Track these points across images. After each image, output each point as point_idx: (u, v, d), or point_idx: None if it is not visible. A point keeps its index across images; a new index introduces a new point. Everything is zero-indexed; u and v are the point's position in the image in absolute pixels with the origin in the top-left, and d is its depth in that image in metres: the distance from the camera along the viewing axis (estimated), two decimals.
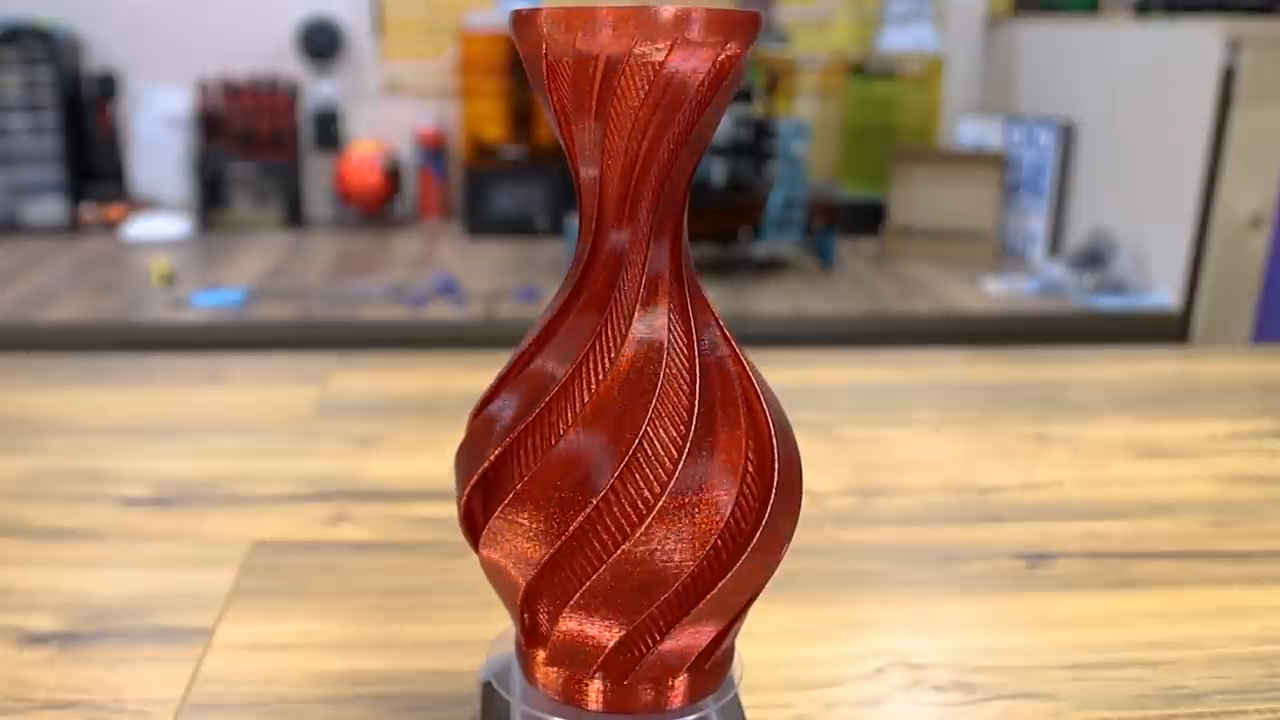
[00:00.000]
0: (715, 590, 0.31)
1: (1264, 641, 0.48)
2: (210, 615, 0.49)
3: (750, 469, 0.32)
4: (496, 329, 1.50)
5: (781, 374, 0.85)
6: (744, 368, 0.33)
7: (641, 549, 0.30)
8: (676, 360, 0.32)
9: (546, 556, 0.31)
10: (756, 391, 0.32)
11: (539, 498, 0.31)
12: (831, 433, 0.71)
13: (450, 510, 0.34)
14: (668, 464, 0.31)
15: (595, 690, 0.34)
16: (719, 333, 0.33)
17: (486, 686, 0.38)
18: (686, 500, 0.31)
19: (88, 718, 0.42)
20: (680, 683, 0.34)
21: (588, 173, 0.32)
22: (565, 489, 0.31)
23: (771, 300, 1.62)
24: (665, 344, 0.31)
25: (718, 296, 1.61)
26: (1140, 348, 1.02)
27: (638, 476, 0.31)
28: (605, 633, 0.32)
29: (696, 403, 0.31)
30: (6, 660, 0.45)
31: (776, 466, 0.32)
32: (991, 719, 0.43)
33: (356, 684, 0.44)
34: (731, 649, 0.36)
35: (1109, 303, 1.61)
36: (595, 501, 0.30)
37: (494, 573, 0.34)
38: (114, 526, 0.57)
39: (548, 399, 0.31)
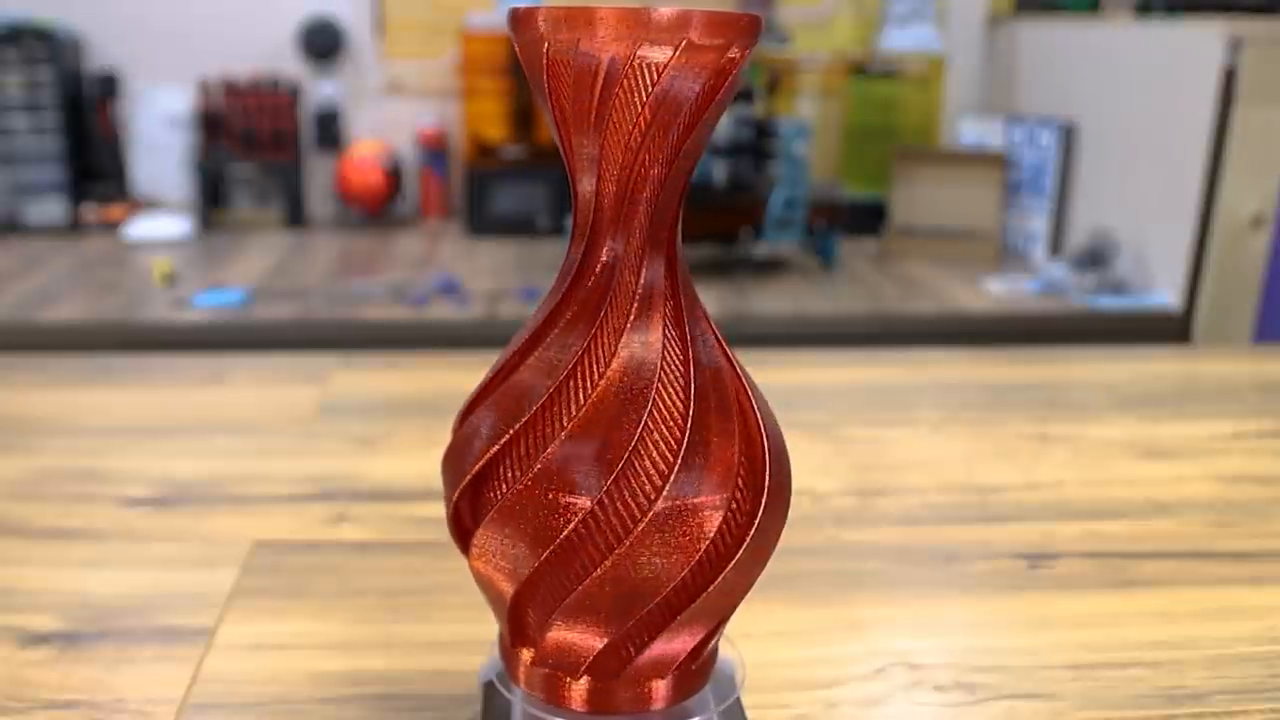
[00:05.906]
0: (700, 599, 0.31)
1: (1264, 641, 0.48)
2: (211, 615, 0.49)
3: (740, 485, 0.31)
4: (498, 329, 1.50)
5: (782, 374, 0.85)
6: (741, 383, 0.32)
7: (629, 561, 0.30)
8: (671, 373, 0.31)
9: (533, 567, 0.31)
10: (753, 406, 0.32)
11: (526, 509, 0.31)
12: (832, 433, 0.71)
13: None
14: (656, 479, 0.30)
15: (580, 692, 0.34)
16: (715, 344, 0.33)
17: (488, 686, 0.38)
18: (676, 514, 0.30)
19: (88, 718, 0.42)
20: (667, 683, 0.34)
21: (584, 172, 0.31)
22: (554, 500, 0.30)
23: (772, 300, 1.62)
24: (660, 356, 0.31)
25: (718, 296, 1.61)
26: (1141, 348, 1.02)
27: (628, 489, 0.30)
28: (592, 639, 0.32)
29: (691, 418, 0.30)
30: (7, 660, 0.45)
31: (768, 486, 0.31)
32: (992, 719, 0.43)
33: (357, 684, 0.44)
34: (716, 649, 0.36)
35: (1110, 303, 1.61)
36: (583, 515, 0.30)
37: (482, 580, 0.34)
38: (115, 526, 0.57)
39: (537, 408, 0.31)
